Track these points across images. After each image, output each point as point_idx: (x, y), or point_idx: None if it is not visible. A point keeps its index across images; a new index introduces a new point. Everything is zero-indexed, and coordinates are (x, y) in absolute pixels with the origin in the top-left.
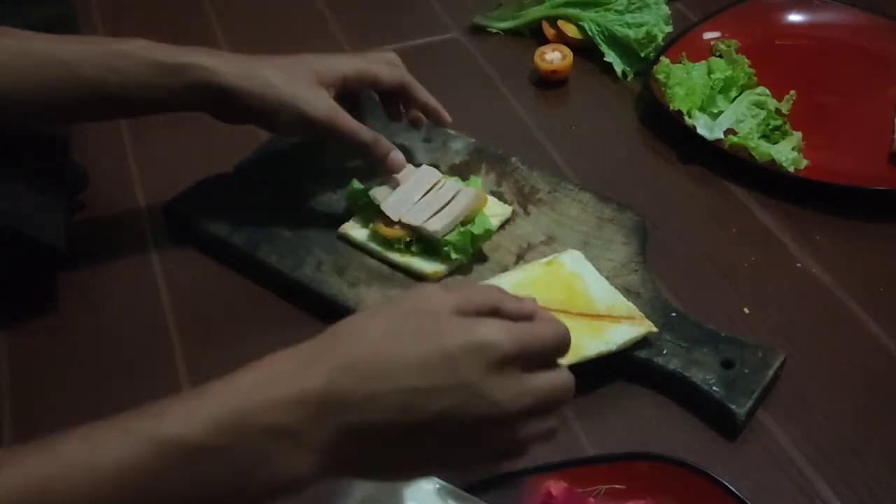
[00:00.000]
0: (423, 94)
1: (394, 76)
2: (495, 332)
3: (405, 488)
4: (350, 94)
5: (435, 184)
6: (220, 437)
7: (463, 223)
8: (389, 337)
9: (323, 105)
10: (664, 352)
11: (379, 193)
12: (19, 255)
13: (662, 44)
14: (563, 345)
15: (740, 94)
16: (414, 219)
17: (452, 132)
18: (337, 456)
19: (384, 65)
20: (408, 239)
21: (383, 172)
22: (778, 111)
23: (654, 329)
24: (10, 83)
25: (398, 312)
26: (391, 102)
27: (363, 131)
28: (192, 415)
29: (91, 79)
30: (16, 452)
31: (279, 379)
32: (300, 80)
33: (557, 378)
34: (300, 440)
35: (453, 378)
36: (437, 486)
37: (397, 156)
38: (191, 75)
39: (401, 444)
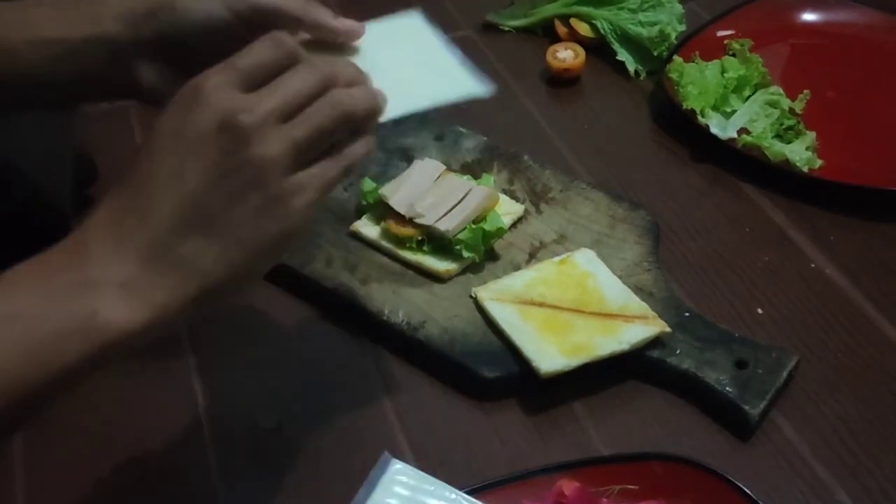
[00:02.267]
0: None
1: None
2: (197, 79)
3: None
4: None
5: (440, 175)
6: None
7: (475, 221)
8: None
9: None
10: (677, 352)
11: (389, 191)
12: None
13: (675, 42)
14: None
15: (754, 94)
16: (425, 218)
17: (464, 130)
18: (144, 282)
19: None
20: (419, 237)
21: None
22: (791, 110)
23: (667, 329)
24: None
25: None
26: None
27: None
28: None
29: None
30: None
31: (50, 254)
32: None
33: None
34: (93, 286)
35: (180, 135)
36: (454, 495)
37: (344, 22)
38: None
39: (196, 224)
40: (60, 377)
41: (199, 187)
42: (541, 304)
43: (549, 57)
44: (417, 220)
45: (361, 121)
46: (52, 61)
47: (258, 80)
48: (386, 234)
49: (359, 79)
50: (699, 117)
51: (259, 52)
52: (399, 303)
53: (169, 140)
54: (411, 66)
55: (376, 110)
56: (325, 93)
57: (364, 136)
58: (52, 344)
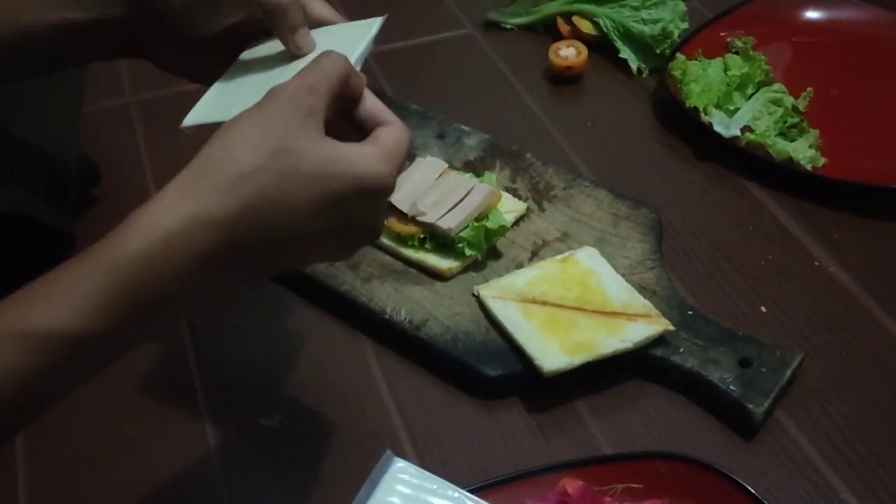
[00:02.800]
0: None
1: None
2: (381, 172)
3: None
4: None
5: (442, 173)
6: (113, 321)
7: (477, 219)
8: (278, 177)
9: None
10: (680, 350)
11: None
12: (28, 248)
13: (678, 40)
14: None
15: (757, 91)
16: (428, 216)
17: (466, 128)
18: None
19: None
20: (422, 235)
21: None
22: (795, 108)
23: (671, 327)
24: None
25: (278, 160)
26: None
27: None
28: (62, 299)
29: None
30: None
31: (161, 243)
32: None
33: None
34: (190, 300)
35: (341, 217)
36: (457, 494)
37: (305, 36)
38: None
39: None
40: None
41: (328, 228)
42: (543, 303)
43: (551, 55)
44: (420, 218)
45: None
46: (62, 37)
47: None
48: (388, 232)
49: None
50: (702, 115)
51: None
52: (401, 301)
53: (332, 218)
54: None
55: None
56: None
57: None
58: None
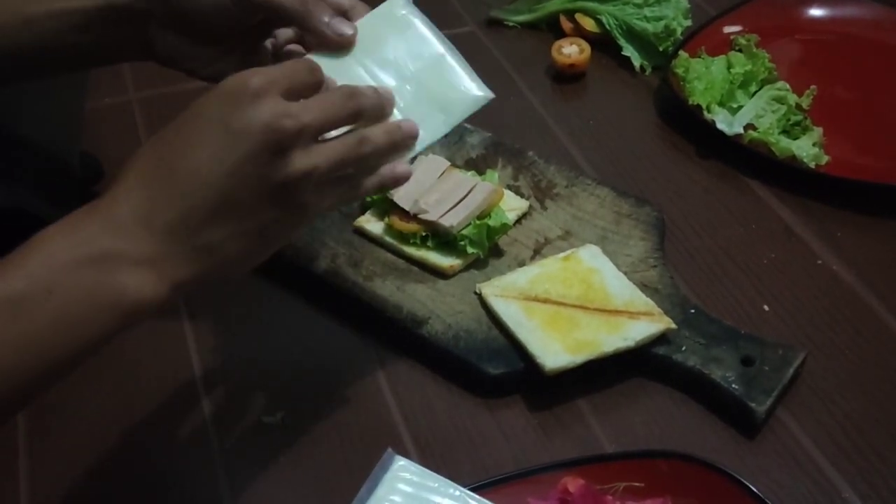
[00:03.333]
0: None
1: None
2: (237, 76)
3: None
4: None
5: (444, 171)
6: (32, 282)
7: (479, 217)
8: (165, 143)
9: None
10: (683, 348)
11: None
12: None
13: (681, 38)
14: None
15: (760, 89)
16: (430, 214)
17: (469, 126)
18: (168, 259)
19: None
20: (424, 233)
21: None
22: (798, 106)
23: (673, 325)
24: None
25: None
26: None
27: None
28: (2, 271)
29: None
30: None
31: (76, 218)
32: None
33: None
34: (117, 260)
35: (223, 132)
36: (458, 492)
37: (340, 23)
38: None
39: (221, 214)
40: (85, 348)
41: (235, 178)
42: (545, 301)
43: (554, 52)
44: (422, 216)
45: (381, 158)
46: (69, 30)
47: (295, 95)
48: (390, 230)
49: (385, 111)
50: (705, 113)
51: (297, 71)
52: (403, 299)
53: (212, 126)
54: (414, 81)
55: (398, 149)
56: (353, 120)
57: (380, 170)
58: (83, 317)
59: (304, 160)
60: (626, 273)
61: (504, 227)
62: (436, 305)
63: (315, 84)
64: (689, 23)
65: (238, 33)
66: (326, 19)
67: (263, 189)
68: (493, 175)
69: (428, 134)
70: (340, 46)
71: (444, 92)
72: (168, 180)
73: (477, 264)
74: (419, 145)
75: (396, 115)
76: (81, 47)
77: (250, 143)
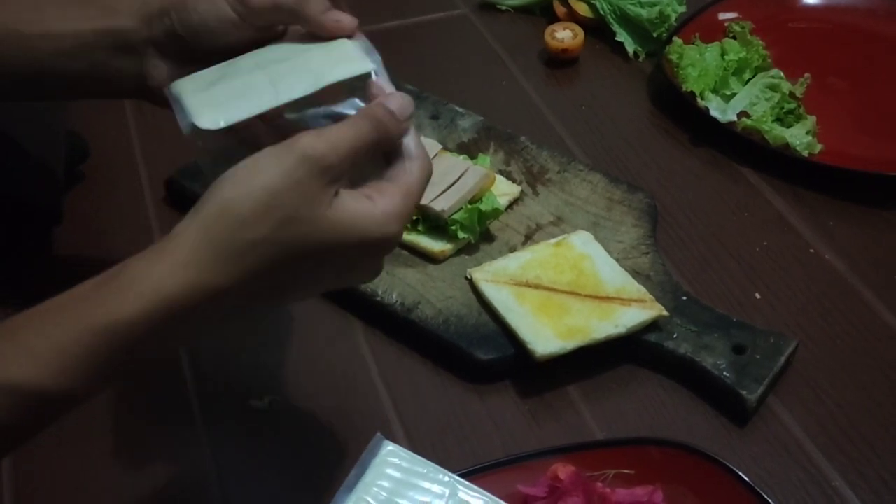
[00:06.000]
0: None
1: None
2: (391, 232)
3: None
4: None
5: (436, 154)
6: (89, 377)
7: (471, 202)
8: (286, 249)
9: None
10: (674, 336)
11: None
12: (14, 225)
13: (675, 24)
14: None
15: (754, 77)
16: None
17: (461, 109)
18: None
19: None
20: (414, 217)
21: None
22: (792, 94)
23: (665, 312)
24: None
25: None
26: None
27: None
28: (54, 359)
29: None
30: None
31: (164, 304)
32: None
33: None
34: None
35: (341, 264)
36: (447, 478)
37: (337, 13)
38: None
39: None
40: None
41: (327, 280)
42: (536, 287)
43: (547, 37)
44: None
45: None
46: (64, 55)
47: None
48: None
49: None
50: (699, 100)
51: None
52: (393, 283)
53: (342, 265)
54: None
55: None
56: None
57: None
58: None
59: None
60: (617, 259)
61: (496, 212)
62: (426, 290)
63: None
64: (683, 9)
65: (234, 53)
66: (322, 9)
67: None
68: (485, 159)
69: (292, 90)
70: (338, 33)
71: (323, 60)
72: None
73: (468, 249)
74: (280, 97)
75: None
76: (74, 74)
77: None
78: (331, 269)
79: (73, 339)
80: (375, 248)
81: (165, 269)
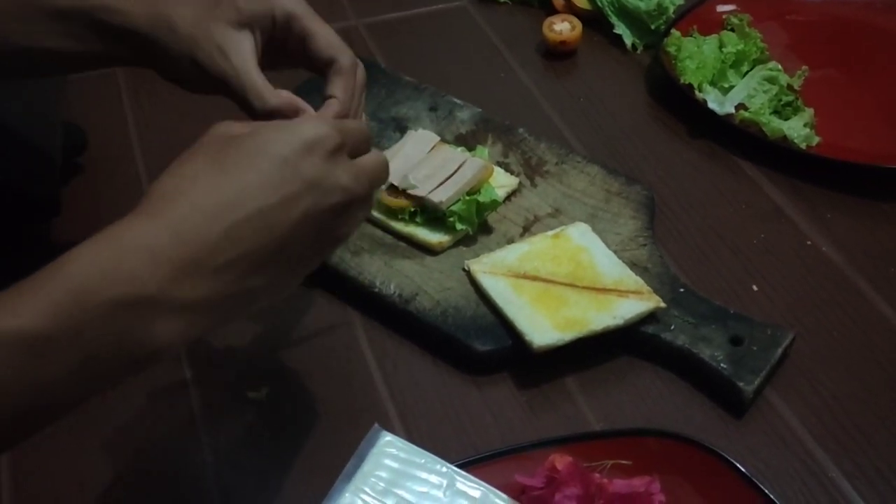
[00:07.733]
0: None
1: (331, 42)
2: (319, 126)
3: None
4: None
5: (434, 146)
6: (60, 322)
7: (469, 193)
8: (217, 171)
9: (234, 56)
10: (672, 327)
11: None
12: (12, 217)
13: (673, 16)
14: (368, 134)
15: (752, 69)
16: (419, 189)
17: (459, 101)
18: (207, 306)
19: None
20: (412, 209)
21: None
22: (790, 87)
23: (662, 304)
24: None
25: (210, 148)
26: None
27: (268, 93)
28: (22, 304)
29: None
30: None
31: (117, 251)
32: (212, 20)
33: (379, 158)
34: (158, 306)
35: (300, 181)
36: (445, 469)
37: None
38: (89, 18)
39: (272, 261)
40: (97, 392)
41: (299, 228)
42: (534, 278)
43: (545, 29)
44: (410, 192)
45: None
46: (56, 34)
47: (353, 154)
48: (378, 205)
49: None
50: (696, 92)
51: (362, 135)
52: (391, 275)
53: (283, 172)
54: None
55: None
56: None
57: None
58: (106, 363)
59: (363, 213)
60: (615, 251)
61: (493, 204)
62: (424, 282)
63: (366, 150)
64: (681, 1)
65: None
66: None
67: (324, 245)
68: (483, 151)
69: None
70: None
71: None
72: (227, 219)
73: (466, 241)
74: None
75: None
76: (67, 52)
77: (327, 199)
78: (280, 176)
79: (41, 285)
80: (309, 140)
81: (125, 229)
